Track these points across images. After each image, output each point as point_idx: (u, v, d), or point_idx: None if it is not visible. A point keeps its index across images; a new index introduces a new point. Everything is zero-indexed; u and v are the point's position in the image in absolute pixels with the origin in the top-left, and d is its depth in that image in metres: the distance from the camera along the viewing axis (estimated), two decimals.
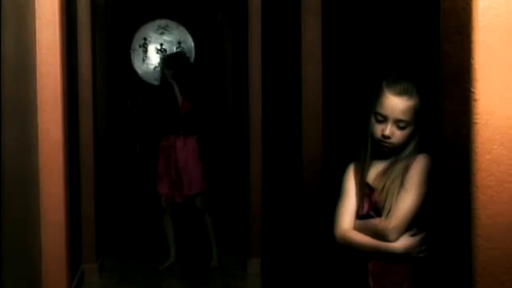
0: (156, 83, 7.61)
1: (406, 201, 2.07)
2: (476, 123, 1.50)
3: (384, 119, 2.13)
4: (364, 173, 2.23)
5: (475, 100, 1.50)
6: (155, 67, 7.67)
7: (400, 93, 2.12)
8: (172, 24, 7.65)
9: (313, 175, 3.46)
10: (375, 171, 2.23)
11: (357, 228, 2.21)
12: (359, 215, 2.22)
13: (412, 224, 2.09)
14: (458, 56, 1.56)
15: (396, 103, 2.12)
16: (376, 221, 2.14)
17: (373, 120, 2.17)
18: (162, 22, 7.64)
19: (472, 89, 1.50)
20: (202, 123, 5.33)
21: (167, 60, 5.42)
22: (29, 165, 2.86)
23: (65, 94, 3.00)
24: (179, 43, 7.69)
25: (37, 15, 2.85)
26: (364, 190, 2.22)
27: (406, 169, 2.11)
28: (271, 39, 4.59)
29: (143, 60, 7.66)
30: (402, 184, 2.10)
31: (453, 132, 1.60)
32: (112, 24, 7.01)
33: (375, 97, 2.17)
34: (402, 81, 2.15)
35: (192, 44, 7.69)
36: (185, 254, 5.47)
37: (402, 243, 2.09)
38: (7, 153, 2.50)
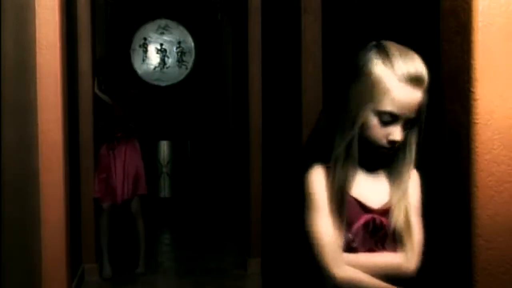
0: (156, 83, 7.65)
1: (420, 230, 1.64)
2: (476, 123, 1.50)
3: (393, 120, 1.55)
4: (347, 185, 1.63)
5: (475, 100, 1.50)
6: (155, 67, 7.68)
7: (417, 81, 1.53)
8: (172, 24, 7.66)
9: None
10: (368, 185, 1.67)
11: (356, 264, 1.65)
12: (346, 245, 1.66)
13: None
14: (458, 56, 1.56)
15: (412, 97, 1.53)
16: (394, 259, 1.64)
17: (373, 120, 1.56)
18: (162, 22, 7.64)
19: (472, 89, 1.50)
20: (138, 125, 5.08)
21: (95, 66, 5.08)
22: (29, 165, 2.86)
23: (65, 94, 3.00)
24: (179, 43, 7.69)
25: (37, 15, 2.85)
26: (352, 209, 1.64)
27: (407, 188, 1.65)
28: (271, 39, 4.59)
29: (143, 60, 7.67)
30: (409, 208, 1.63)
31: (453, 132, 1.59)
32: (112, 24, 7.01)
33: (373, 88, 1.55)
34: (412, 61, 1.55)
35: (192, 44, 7.69)
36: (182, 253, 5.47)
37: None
38: (7, 153, 2.50)
